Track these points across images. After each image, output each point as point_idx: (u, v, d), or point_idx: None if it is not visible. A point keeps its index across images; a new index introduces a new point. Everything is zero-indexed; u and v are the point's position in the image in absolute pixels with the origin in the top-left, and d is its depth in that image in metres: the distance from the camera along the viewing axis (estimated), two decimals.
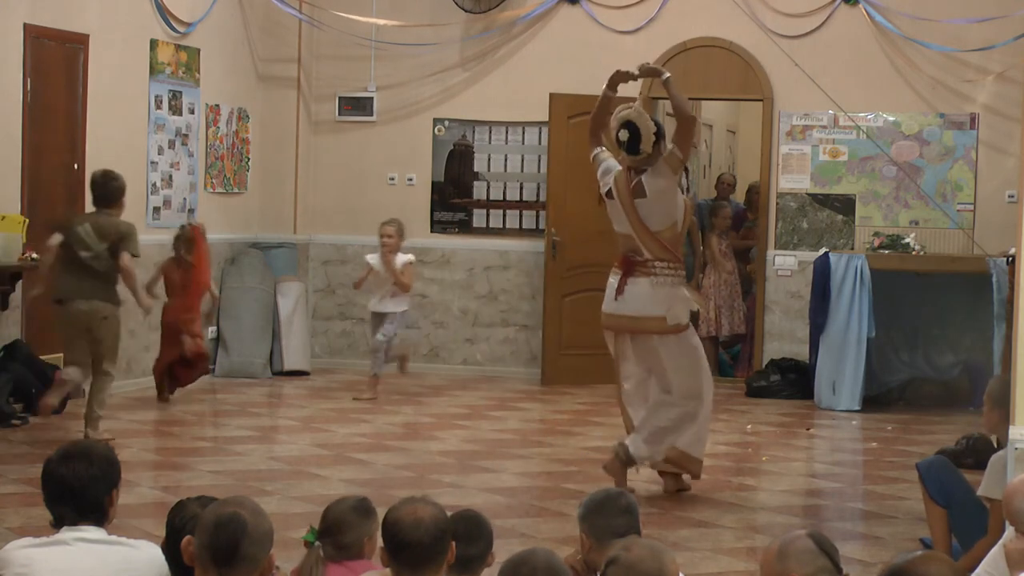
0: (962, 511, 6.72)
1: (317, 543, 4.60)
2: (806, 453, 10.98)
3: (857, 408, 12.41)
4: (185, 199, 13.05)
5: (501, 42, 14.12)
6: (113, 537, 4.30)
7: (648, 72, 8.85)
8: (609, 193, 8.71)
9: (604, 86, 8.81)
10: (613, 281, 8.69)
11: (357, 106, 14.42)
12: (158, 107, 12.64)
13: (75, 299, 9.87)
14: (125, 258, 9.85)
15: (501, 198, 14.27)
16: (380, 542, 4.16)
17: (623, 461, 8.71)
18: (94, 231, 9.86)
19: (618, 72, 8.81)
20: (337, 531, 4.70)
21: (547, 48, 13.95)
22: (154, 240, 12.63)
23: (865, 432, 11.56)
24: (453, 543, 4.11)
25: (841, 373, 12.53)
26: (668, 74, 8.66)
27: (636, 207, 8.57)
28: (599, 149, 8.87)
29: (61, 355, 11.28)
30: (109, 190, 10.13)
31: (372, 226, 13.62)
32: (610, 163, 8.80)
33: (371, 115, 14.41)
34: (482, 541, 4.51)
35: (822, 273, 12.60)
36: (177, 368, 11.89)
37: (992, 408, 6.68)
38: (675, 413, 8.69)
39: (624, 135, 8.54)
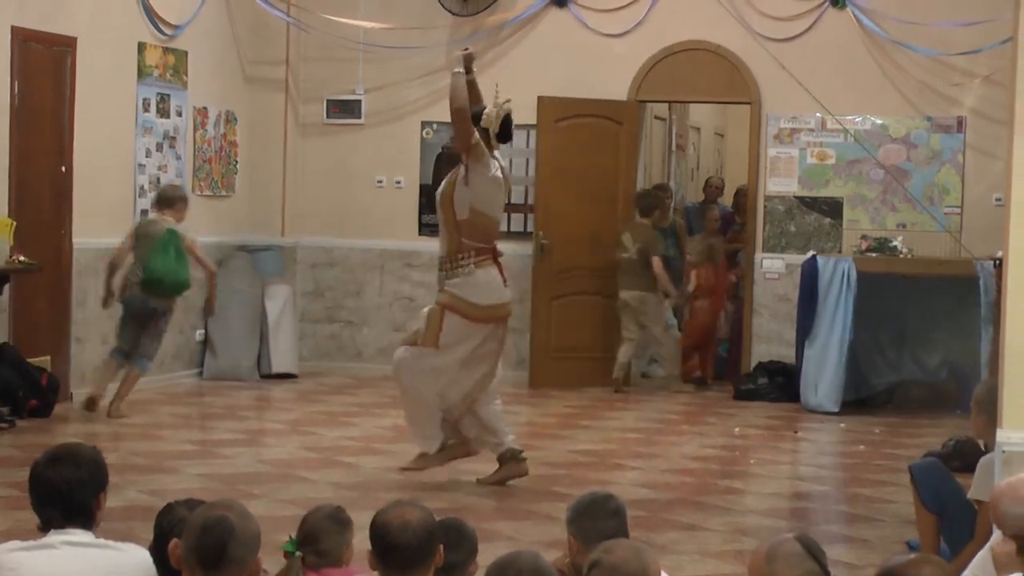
0: (955, 518, 6.69)
1: (298, 553, 4.61)
2: (793, 456, 10.99)
3: (835, 410, 12.40)
4: None
5: (489, 45, 14.10)
6: (100, 540, 4.30)
7: (467, 59, 8.98)
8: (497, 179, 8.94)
9: (460, 70, 8.86)
10: (494, 272, 8.86)
11: (345, 109, 14.41)
12: (146, 110, 12.62)
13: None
14: (656, 262, 13.27)
15: None
16: (364, 547, 4.16)
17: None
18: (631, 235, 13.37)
19: (470, 53, 9.02)
20: (315, 539, 4.72)
21: (535, 51, 13.96)
22: None
23: (852, 435, 11.56)
24: (441, 546, 4.11)
25: (822, 375, 12.54)
26: (461, 70, 8.83)
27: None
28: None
29: (48, 358, 11.28)
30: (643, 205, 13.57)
31: (360, 229, 13.64)
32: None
33: (359, 118, 14.40)
34: (465, 548, 4.52)
35: (810, 276, 12.61)
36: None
37: (979, 413, 6.68)
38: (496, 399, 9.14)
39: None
